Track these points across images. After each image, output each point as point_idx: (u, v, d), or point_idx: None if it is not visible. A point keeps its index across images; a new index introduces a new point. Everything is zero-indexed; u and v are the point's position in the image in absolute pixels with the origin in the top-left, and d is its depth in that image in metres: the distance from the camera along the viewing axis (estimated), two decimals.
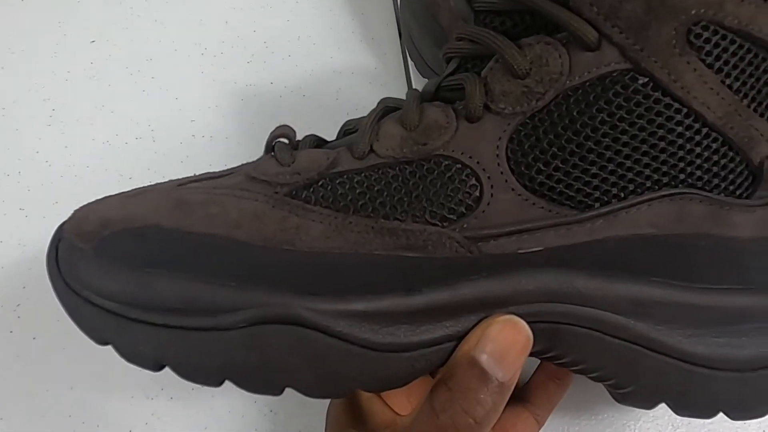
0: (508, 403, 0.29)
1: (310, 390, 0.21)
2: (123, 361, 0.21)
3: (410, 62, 0.38)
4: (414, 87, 0.38)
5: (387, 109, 0.23)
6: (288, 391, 0.21)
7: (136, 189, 0.23)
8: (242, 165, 0.23)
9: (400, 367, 0.21)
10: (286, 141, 0.23)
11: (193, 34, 0.39)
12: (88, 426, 0.30)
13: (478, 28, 0.22)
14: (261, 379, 0.21)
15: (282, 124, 0.24)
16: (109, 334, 0.21)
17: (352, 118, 0.25)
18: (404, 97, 0.24)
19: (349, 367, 0.20)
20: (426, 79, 0.36)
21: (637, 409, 0.30)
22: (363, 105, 0.37)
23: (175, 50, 0.38)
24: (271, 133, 0.23)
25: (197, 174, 0.24)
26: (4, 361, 0.30)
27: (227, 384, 0.21)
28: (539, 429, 0.29)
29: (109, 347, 0.21)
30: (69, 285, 0.21)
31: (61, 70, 0.37)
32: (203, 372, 0.21)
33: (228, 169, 0.23)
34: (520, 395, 0.29)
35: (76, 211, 0.23)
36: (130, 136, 0.36)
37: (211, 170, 0.24)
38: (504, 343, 0.21)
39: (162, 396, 0.30)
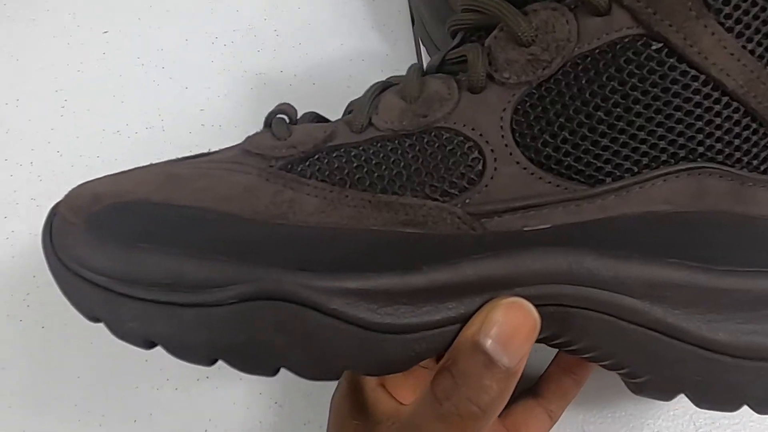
0: (520, 398, 0.28)
1: (302, 370, 0.20)
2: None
3: (422, 48, 0.37)
4: None
5: (387, 83, 0.22)
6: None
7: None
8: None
9: (399, 349, 0.20)
10: (284, 117, 0.22)
11: (204, 23, 0.39)
12: (93, 416, 0.30)
13: None
14: (251, 358, 0.20)
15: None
16: (99, 309, 0.20)
17: None
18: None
19: (343, 347, 0.19)
20: None
21: (657, 407, 0.29)
22: None
23: (186, 40, 0.38)
24: (271, 111, 0.23)
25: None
26: (12, 349, 0.30)
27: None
28: (552, 425, 0.27)
29: (102, 325, 0.21)
30: (61, 259, 0.20)
31: (74, 61, 0.37)
32: (192, 350, 0.20)
33: (224, 148, 0.23)
34: (533, 390, 0.28)
35: (73, 188, 0.22)
36: (140, 125, 0.36)
37: None
38: (510, 328, 0.20)
39: (167, 386, 0.30)
